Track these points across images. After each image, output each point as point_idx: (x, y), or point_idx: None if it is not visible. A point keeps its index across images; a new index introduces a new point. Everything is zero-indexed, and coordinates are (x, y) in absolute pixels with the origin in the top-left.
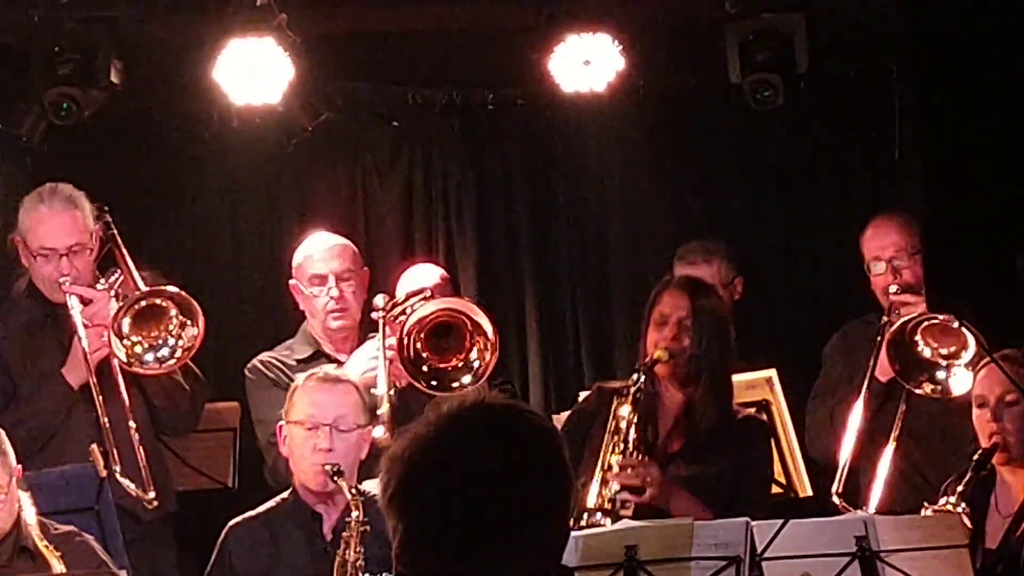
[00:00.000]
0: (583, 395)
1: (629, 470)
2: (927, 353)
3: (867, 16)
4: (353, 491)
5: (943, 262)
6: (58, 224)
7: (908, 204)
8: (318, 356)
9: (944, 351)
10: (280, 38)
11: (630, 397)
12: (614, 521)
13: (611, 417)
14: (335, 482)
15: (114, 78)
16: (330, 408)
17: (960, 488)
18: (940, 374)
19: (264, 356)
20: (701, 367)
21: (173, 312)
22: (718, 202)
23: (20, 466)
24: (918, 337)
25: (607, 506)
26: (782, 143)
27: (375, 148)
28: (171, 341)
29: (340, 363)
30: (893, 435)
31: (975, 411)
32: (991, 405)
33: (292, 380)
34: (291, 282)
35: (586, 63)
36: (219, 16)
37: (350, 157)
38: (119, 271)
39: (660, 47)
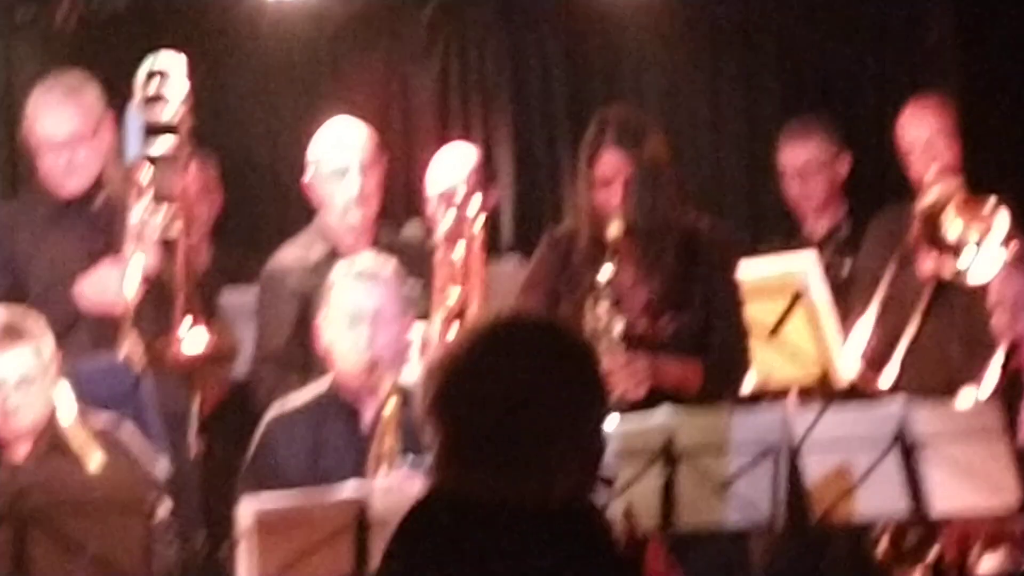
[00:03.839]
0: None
1: (619, 374)
2: (954, 232)
3: None
4: (392, 384)
5: (980, 147)
6: (58, 114)
7: (948, 88)
8: (334, 256)
9: (973, 232)
10: None
11: (605, 291)
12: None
13: (588, 318)
14: (375, 375)
15: None
16: (370, 301)
17: (990, 383)
18: (964, 257)
19: (280, 262)
20: (652, 221)
21: None
22: (757, 92)
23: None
24: (948, 214)
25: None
26: (819, 31)
27: (410, 35)
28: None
29: None
30: (917, 313)
31: (994, 312)
32: (1007, 305)
33: (311, 285)
34: (307, 175)
35: None
36: None
37: (384, 44)
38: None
39: None
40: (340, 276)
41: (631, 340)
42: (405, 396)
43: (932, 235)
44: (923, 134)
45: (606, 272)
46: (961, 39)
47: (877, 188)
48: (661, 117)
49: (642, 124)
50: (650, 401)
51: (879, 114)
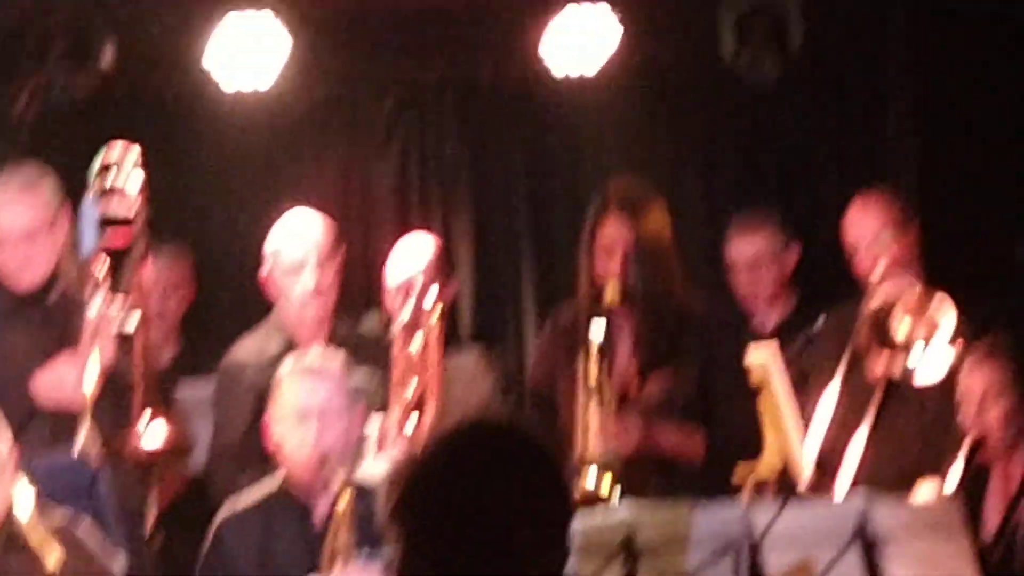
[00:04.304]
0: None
1: (609, 430)
2: (902, 333)
3: None
4: (344, 478)
5: (938, 247)
6: (13, 208)
7: (905, 180)
8: (291, 349)
9: (920, 330)
10: (278, 10)
11: (595, 351)
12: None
13: (581, 375)
14: (325, 470)
15: (107, 59)
16: (315, 397)
17: (954, 478)
18: (912, 356)
19: (237, 355)
20: (649, 292)
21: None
22: (714, 180)
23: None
24: (896, 313)
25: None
26: (778, 121)
27: (369, 126)
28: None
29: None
30: (870, 413)
31: (960, 407)
32: (973, 399)
33: (267, 378)
34: (265, 267)
35: (579, 41)
36: None
37: (344, 135)
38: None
39: (653, 24)
40: (287, 372)
41: (623, 399)
42: (359, 490)
43: (881, 336)
44: (869, 229)
45: (598, 330)
46: (919, 130)
47: (830, 279)
48: None
49: (645, 195)
50: (652, 466)
51: (837, 205)
